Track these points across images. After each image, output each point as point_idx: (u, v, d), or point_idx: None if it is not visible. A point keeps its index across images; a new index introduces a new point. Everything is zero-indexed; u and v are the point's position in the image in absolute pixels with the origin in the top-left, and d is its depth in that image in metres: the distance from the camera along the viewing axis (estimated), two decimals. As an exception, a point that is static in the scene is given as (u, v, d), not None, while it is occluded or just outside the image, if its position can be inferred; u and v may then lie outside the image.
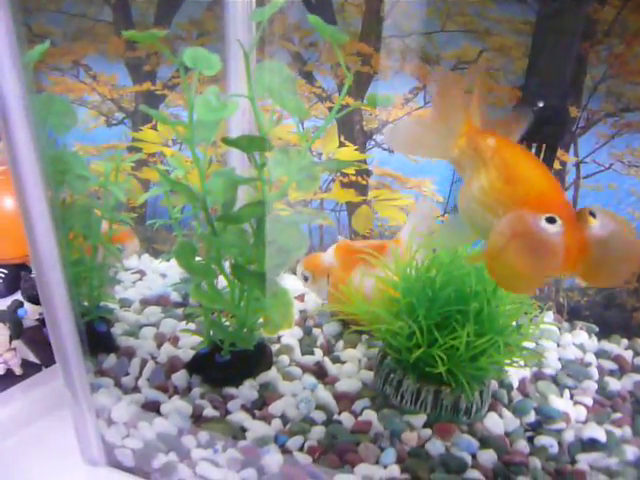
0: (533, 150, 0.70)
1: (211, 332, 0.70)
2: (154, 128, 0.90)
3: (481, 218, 0.51)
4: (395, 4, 0.78)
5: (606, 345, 0.83)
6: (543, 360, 0.77)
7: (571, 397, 0.73)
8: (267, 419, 0.66)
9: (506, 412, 0.70)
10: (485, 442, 0.65)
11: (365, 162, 0.87)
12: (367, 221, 0.89)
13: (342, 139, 0.86)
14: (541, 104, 0.70)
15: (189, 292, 0.83)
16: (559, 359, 0.79)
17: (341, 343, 0.80)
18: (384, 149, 0.85)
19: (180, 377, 0.70)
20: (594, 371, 0.77)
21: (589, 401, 0.72)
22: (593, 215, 0.46)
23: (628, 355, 0.81)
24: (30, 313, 0.80)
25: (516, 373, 0.75)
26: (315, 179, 0.63)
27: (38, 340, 0.79)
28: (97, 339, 0.73)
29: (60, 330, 0.57)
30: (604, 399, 0.73)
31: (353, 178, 0.88)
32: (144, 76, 0.89)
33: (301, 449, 0.63)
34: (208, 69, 0.57)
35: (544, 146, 0.70)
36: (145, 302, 0.85)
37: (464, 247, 0.65)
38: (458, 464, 0.62)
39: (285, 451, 0.62)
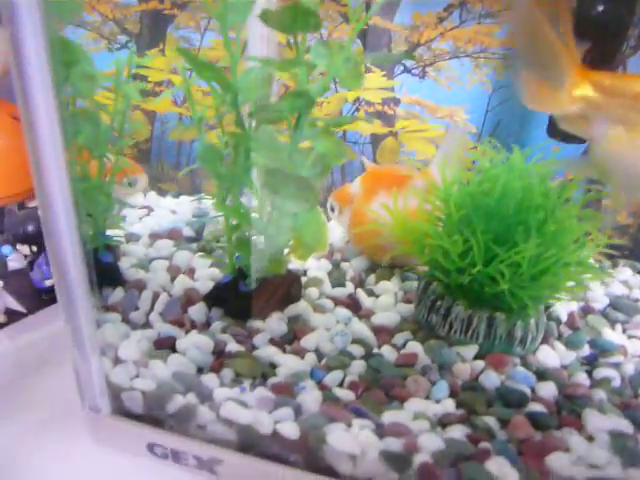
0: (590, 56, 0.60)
1: (235, 257, 0.59)
2: (162, 53, 0.78)
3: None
4: None
5: None
6: (589, 294, 0.68)
7: (624, 331, 0.64)
8: (300, 354, 0.56)
9: (558, 345, 0.60)
10: (542, 375, 0.55)
11: (393, 89, 0.76)
12: (393, 155, 0.79)
13: (368, 64, 0.75)
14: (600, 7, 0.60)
15: (206, 224, 0.73)
16: (606, 295, 0.69)
17: (372, 277, 0.69)
18: (414, 75, 0.74)
19: (198, 310, 0.59)
20: (644, 305, 0.68)
21: (642, 332, 0.63)
22: None
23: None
24: (14, 255, 0.67)
25: (564, 307, 0.65)
26: (360, 75, 0.51)
27: (23, 285, 0.65)
28: (102, 270, 0.61)
29: (63, 254, 0.45)
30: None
31: (379, 108, 0.77)
32: (151, -7, 0.76)
33: (341, 385, 0.53)
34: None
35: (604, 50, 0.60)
36: (155, 236, 0.73)
37: (521, 161, 0.55)
38: (518, 397, 0.52)
39: (323, 387, 0.52)
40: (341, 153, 0.54)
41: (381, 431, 0.47)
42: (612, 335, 0.62)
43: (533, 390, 0.53)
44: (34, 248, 0.68)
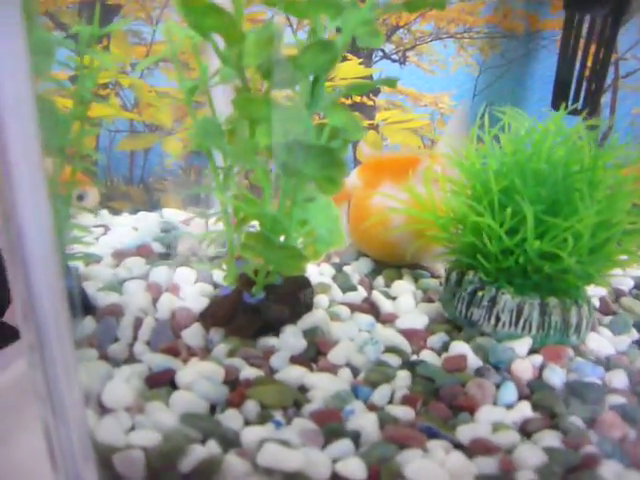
0: (596, 23, 0.54)
1: (236, 263, 0.45)
2: (106, 49, 0.64)
3: None
4: None
5: None
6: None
7: (659, 311, 0.56)
8: (331, 370, 0.43)
9: (605, 331, 0.51)
10: (605, 364, 0.46)
11: (372, 77, 0.66)
12: (375, 150, 0.68)
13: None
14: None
15: (178, 238, 0.59)
16: (628, 277, 0.62)
17: (380, 279, 0.57)
18: (394, 61, 0.65)
19: (194, 333, 0.45)
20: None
21: (685, 312, 0.56)
22: None
23: None
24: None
25: (593, 293, 0.57)
26: (378, 35, 0.41)
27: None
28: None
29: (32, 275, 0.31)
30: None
31: (358, 99, 0.67)
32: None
33: (390, 402, 0.41)
34: None
35: (607, 20, 0.54)
36: (120, 255, 0.57)
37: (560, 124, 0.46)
38: (594, 392, 0.42)
39: (372, 408, 0.39)
40: (359, 127, 0.43)
41: (464, 452, 0.36)
42: (652, 314, 0.54)
43: (604, 383, 0.44)
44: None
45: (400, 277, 0.58)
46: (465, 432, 0.37)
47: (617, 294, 0.59)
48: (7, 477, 0.39)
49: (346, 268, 0.59)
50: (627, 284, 0.61)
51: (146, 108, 0.65)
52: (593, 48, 0.54)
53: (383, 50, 0.65)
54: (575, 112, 0.56)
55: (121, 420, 0.37)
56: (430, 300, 0.54)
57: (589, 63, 0.55)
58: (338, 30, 0.40)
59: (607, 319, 0.54)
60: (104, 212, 0.67)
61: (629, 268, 0.49)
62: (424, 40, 0.64)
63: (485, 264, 0.46)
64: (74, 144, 0.47)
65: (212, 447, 0.35)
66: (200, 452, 0.35)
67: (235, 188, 0.44)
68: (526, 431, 0.39)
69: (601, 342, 0.49)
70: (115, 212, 0.68)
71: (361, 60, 0.66)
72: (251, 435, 0.36)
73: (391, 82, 0.41)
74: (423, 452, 0.35)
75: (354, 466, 0.34)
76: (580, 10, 0.53)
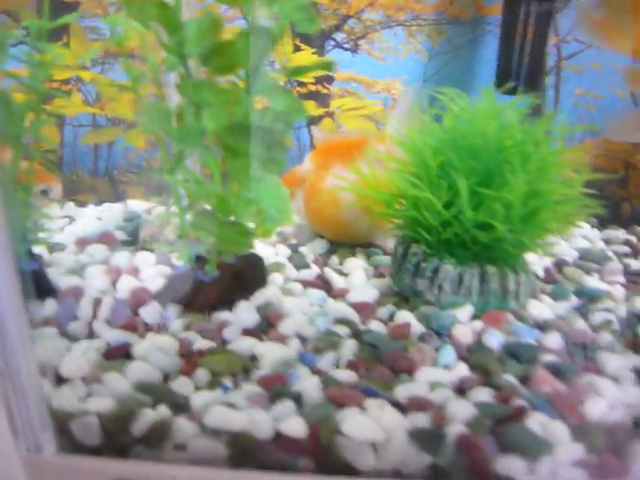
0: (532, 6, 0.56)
1: (191, 242, 0.47)
2: (65, 45, 0.65)
3: None
4: None
5: (610, 233, 0.71)
6: (557, 249, 0.63)
7: (601, 279, 0.59)
8: (281, 341, 0.45)
9: (546, 298, 0.54)
10: (543, 328, 0.49)
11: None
12: (331, 135, 0.70)
13: (297, 42, 0.67)
14: None
15: (140, 226, 0.60)
16: (573, 249, 0.65)
17: (335, 258, 0.60)
18: (345, 49, 0.68)
19: (151, 310, 0.47)
20: (611, 255, 0.64)
21: (621, 279, 0.59)
22: None
23: (634, 240, 0.69)
24: None
25: (538, 263, 0.60)
26: (314, 21, 0.43)
27: None
28: (27, 280, 0.47)
29: None
30: (635, 277, 0.60)
31: (312, 88, 0.69)
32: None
33: (336, 367, 0.43)
34: None
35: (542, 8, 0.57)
36: (83, 242, 0.59)
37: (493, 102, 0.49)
38: (529, 352, 0.45)
39: (318, 373, 0.42)
40: (301, 109, 0.45)
41: (401, 409, 0.38)
42: (594, 283, 0.57)
43: (540, 343, 0.47)
44: None
45: (354, 255, 0.60)
46: (402, 391, 0.40)
47: (561, 264, 0.61)
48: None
49: (302, 249, 0.61)
50: (572, 255, 0.64)
51: (108, 102, 0.66)
52: (530, 32, 0.57)
53: (335, 39, 0.67)
54: (514, 92, 0.59)
55: (77, 389, 0.39)
56: (381, 275, 0.56)
57: (527, 46, 0.57)
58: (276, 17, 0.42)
59: (550, 287, 0.57)
60: (70, 204, 0.69)
61: (563, 235, 0.51)
62: (374, 29, 0.67)
63: (427, 237, 0.48)
64: (31, 134, 0.49)
65: (162, 411, 0.37)
66: (151, 416, 0.37)
67: (185, 171, 0.45)
68: (461, 389, 0.41)
69: (541, 308, 0.52)
70: (81, 204, 0.69)
71: (314, 50, 0.68)
72: (199, 399, 0.38)
73: (328, 65, 0.43)
74: (361, 410, 0.38)
75: (295, 425, 0.37)
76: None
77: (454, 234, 0.47)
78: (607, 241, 0.69)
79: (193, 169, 0.46)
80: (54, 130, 0.69)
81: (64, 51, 0.65)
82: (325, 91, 0.69)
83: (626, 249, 0.67)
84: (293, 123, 0.46)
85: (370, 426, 0.36)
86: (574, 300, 0.55)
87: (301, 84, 0.69)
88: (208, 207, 0.46)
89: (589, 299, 0.54)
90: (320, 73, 0.68)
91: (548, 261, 0.61)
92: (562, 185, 0.46)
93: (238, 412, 0.37)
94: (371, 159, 0.52)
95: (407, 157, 0.50)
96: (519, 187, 0.43)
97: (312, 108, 0.70)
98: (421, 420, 0.37)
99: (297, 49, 0.68)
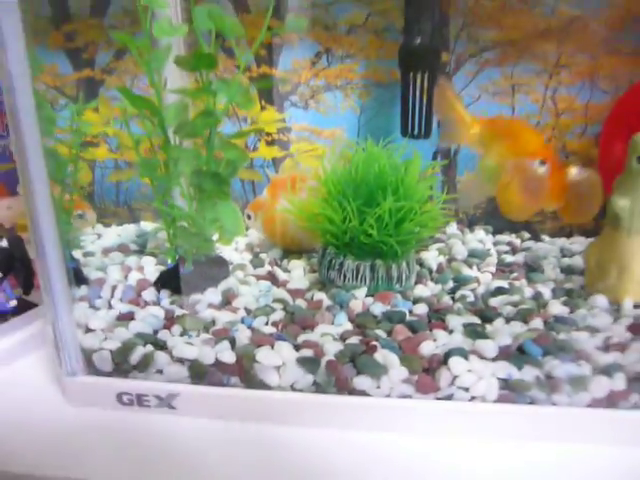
0: (418, 78, 0.80)
1: (174, 247, 0.71)
2: (95, 110, 0.92)
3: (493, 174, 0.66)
4: (295, -16, 0.87)
5: (500, 237, 0.92)
6: (454, 249, 0.85)
7: (478, 269, 0.80)
8: (232, 311, 0.68)
9: (430, 284, 0.76)
10: (417, 301, 0.70)
11: (285, 120, 0.93)
12: (292, 172, 0.94)
13: (263, 103, 0.92)
14: (418, 41, 0.80)
15: (149, 240, 0.85)
16: (466, 250, 0.86)
17: (285, 262, 0.83)
18: (299, 107, 0.92)
19: (149, 293, 0.71)
20: (493, 252, 0.85)
21: (493, 269, 0.80)
22: (573, 168, 0.61)
23: (517, 242, 0.91)
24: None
25: (434, 259, 0.82)
26: (251, 100, 0.67)
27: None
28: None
29: (48, 258, 0.57)
30: (504, 267, 0.81)
31: (276, 136, 0.93)
32: (83, 64, 0.91)
33: (266, 325, 0.66)
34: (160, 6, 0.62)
35: (426, 75, 0.80)
36: (107, 251, 0.84)
37: (379, 146, 0.72)
38: (399, 315, 0.66)
39: (251, 329, 0.64)
40: (244, 158, 0.69)
41: (297, 348, 0.60)
42: (469, 272, 0.78)
43: (411, 312, 0.68)
44: (-1, 274, 0.77)
45: (298, 258, 0.83)
46: (301, 338, 0.62)
47: (451, 260, 0.83)
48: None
49: (262, 255, 0.85)
50: (463, 254, 0.85)
51: (126, 150, 0.92)
52: (420, 93, 0.80)
53: (291, 100, 0.92)
54: (414, 136, 0.82)
55: (98, 336, 0.63)
56: (314, 271, 0.79)
57: (418, 104, 0.80)
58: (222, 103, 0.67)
59: (437, 276, 0.78)
60: (99, 225, 0.95)
61: (428, 235, 0.73)
62: (319, 92, 0.91)
63: (335, 242, 0.71)
64: (72, 178, 0.75)
65: (149, 348, 0.61)
66: (141, 350, 0.60)
67: (170, 201, 0.70)
68: (343, 337, 0.63)
69: (423, 289, 0.73)
70: (106, 225, 0.95)
71: (276, 107, 0.92)
72: (171, 341, 0.61)
73: (258, 130, 0.67)
74: (271, 348, 0.60)
75: (227, 355, 0.59)
76: (408, 68, 0.79)
77: (350, 239, 0.69)
78: (495, 243, 0.90)
79: (175, 200, 0.70)
80: (87, 171, 0.96)
81: (94, 116, 0.91)
82: (285, 138, 0.93)
83: (507, 248, 0.88)
84: (239, 168, 0.70)
85: (274, 357, 0.59)
86: (451, 284, 0.76)
87: (268, 134, 0.94)
88: (185, 225, 0.70)
89: (461, 283, 0.76)
90: (281, 125, 0.92)
91: (442, 258, 0.83)
92: (419, 203, 0.68)
93: (194, 348, 0.60)
94: (296, 190, 0.76)
95: (322, 187, 0.73)
96: (387, 206, 0.66)
97: (276, 152, 0.94)
98: (307, 353, 0.59)
99: (263, 108, 0.92)
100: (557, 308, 0.69)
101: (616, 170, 0.68)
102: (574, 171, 0.62)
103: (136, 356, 0.60)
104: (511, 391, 0.57)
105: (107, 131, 0.92)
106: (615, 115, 0.72)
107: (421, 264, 0.81)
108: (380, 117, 0.89)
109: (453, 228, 0.95)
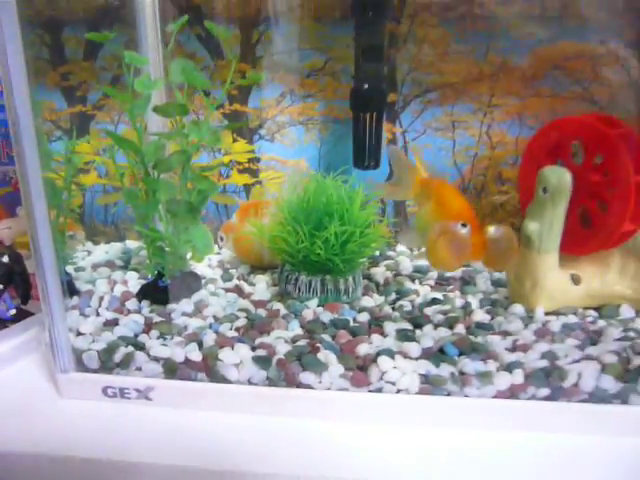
0: (367, 117, 0.93)
1: (153, 263, 0.84)
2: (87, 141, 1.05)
3: (426, 228, 0.77)
4: (262, 34, 1.01)
5: None
6: (401, 266, 0.98)
7: (420, 283, 0.93)
8: (202, 319, 0.81)
9: (376, 296, 0.88)
10: (362, 310, 0.83)
11: (254, 151, 1.06)
12: (261, 197, 1.07)
13: (235, 136, 1.06)
14: (366, 86, 0.94)
15: (132, 254, 0.98)
16: (412, 266, 1.00)
17: (252, 277, 0.96)
18: (266, 140, 1.05)
19: (132, 303, 0.83)
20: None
21: (432, 283, 0.93)
22: (490, 227, 0.73)
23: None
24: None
25: (382, 274, 0.95)
26: (218, 139, 0.81)
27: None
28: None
29: (46, 273, 0.69)
30: (442, 281, 0.94)
31: (247, 165, 1.07)
32: (77, 100, 1.04)
33: (230, 330, 0.78)
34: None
35: (374, 115, 0.94)
36: (96, 266, 0.97)
37: (331, 177, 0.85)
38: (343, 322, 0.79)
39: (217, 333, 0.77)
40: (214, 188, 0.82)
41: (253, 349, 0.73)
42: (411, 285, 0.91)
43: (355, 319, 0.81)
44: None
45: (263, 274, 0.96)
46: (258, 341, 0.74)
47: (397, 275, 0.96)
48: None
49: (231, 270, 0.98)
50: (408, 269, 0.98)
51: (112, 174, 1.05)
52: (369, 130, 0.93)
53: (259, 133, 1.05)
54: (365, 167, 0.95)
55: (87, 339, 0.75)
56: (275, 285, 0.92)
57: (368, 138, 0.93)
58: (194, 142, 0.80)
59: (383, 289, 0.91)
60: (89, 243, 1.07)
61: (369, 254, 0.86)
62: (284, 126, 1.04)
63: (291, 260, 0.84)
64: (66, 203, 0.87)
65: (130, 349, 0.73)
66: (124, 351, 0.72)
67: (150, 223, 0.83)
68: (294, 340, 0.76)
69: (368, 301, 0.86)
70: (96, 243, 1.08)
71: (246, 140, 1.06)
72: (149, 343, 0.74)
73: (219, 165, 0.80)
74: (231, 348, 0.73)
75: (195, 355, 0.71)
76: (358, 109, 0.92)
77: (303, 257, 0.82)
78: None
79: (154, 223, 0.83)
80: (79, 195, 1.08)
81: (86, 146, 1.04)
82: (255, 167, 1.07)
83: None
84: (209, 197, 0.83)
85: (232, 355, 0.71)
86: (393, 295, 0.89)
87: (239, 163, 1.07)
88: (163, 244, 0.83)
89: (402, 295, 0.89)
90: (251, 155, 1.06)
91: (389, 273, 0.96)
92: (360, 227, 0.81)
93: (167, 348, 0.72)
94: (266, 214, 0.89)
95: (280, 213, 0.86)
96: (333, 230, 0.79)
97: (247, 179, 1.07)
98: (261, 353, 0.72)
99: (235, 140, 1.06)
100: (480, 316, 0.82)
101: (530, 198, 0.81)
102: (491, 230, 0.73)
103: (119, 355, 0.72)
104: (430, 385, 0.69)
105: (97, 159, 1.05)
106: (527, 152, 0.86)
107: (370, 278, 0.94)
108: (337, 149, 1.03)
109: (403, 247, 1.08)
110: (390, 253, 1.05)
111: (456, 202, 0.76)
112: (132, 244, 1.07)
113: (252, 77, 0.79)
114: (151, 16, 0.91)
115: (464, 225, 0.71)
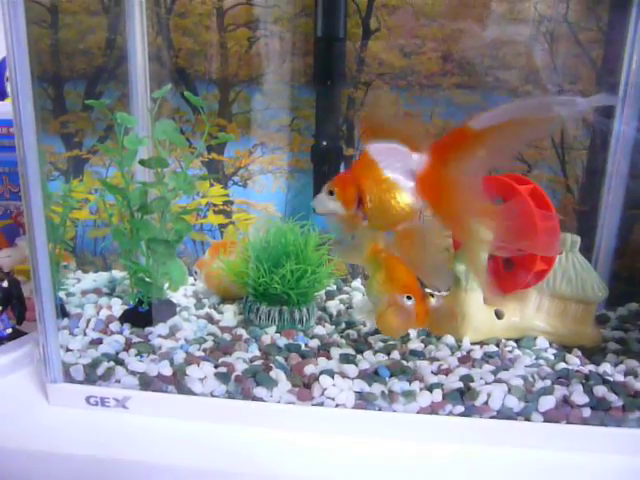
0: (325, 170, 1.10)
1: (135, 292, 0.99)
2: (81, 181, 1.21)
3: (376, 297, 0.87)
4: (238, 93, 1.18)
5: None
6: (353, 300, 1.14)
7: (367, 315, 1.09)
8: (175, 340, 0.95)
9: (328, 325, 1.04)
10: (314, 337, 0.98)
11: (228, 195, 1.23)
12: (234, 236, 1.23)
13: (212, 181, 1.22)
14: (324, 143, 1.11)
15: (117, 283, 1.13)
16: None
17: (221, 306, 1.11)
18: (239, 185, 1.22)
19: (115, 325, 0.98)
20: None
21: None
22: (432, 296, 0.84)
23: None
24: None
25: (335, 307, 1.10)
26: (194, 187, 0.97)
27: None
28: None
29: (43, 297, 0.84)
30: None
31: (221, 207, 1.23)
32: (74, 145, 1.21)
33: (198, 350, 0.93)
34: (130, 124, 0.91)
35: (331, 167, 1.11)
36: (85, 292, 1.12)
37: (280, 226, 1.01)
38: (295, 347, 0.94)
39: (188, 353, 0.92)
40: (188, 229, 0.98)
41: (216, 366, 0.88)
42: (358, 317, 1.07)
43: (307, 345, 0.96)
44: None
45: (231, 304, 1.11)
46: (221, 360, 0.89)
47: (349, 307, 1.11)
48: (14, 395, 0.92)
49: (204, 300, 1.13)
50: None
51: (102, 212, 1.21)
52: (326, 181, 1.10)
53: (233, 180, 1.22)
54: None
55: (75, 354, 0.89)
56: (241, 314, 1.07)
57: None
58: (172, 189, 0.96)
59: (336, 319, 1.07)
60: (79, 272, 1.22)
61: (321, 289, 1.02)
62: (255, 175, 1.21)
63: (253, 292, 1.00)
64: (61, 237, 1.02)
65: (111, 364, 0.88)
66: (106, 365, 0.87)
67: (133, 257, 0.98)
68: (252, 360, 0.90)
69: (320, 330, 1.01)
70: (85, 272, 1.23)
71: (221, 185, 1.22)
72: (127, 359, 0.88)
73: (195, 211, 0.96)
74: (197, 365, 0.87)
75: (166, 370, 0.86)
76: (317, 162, 1.09)
77: (264, 290, 0.98)
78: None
79: (136, 257, 0.99)
80: (72, 229, 1.24)
81: (80, 187, 1.20)
82: (228, 209, 1.23)
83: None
84: (184, 236, 0.98)
85: (199, 372, 0.86)
86: (343, 325, 1.04)
87: (215, 205, 1.23)
88: (143, 276, 0.99)
89: (352, 325, 1.04)
90: (225, 199, 1.22)
91: (342, 306, 1.11)
92: (312, 266, 0.97)
93: (143, 364, 0.87)
94: (233, 252, 1.05)
95: (245, 252, 1.02)
96: (288, 267, 0.95)
97: (221, 219, 1.24)
98: (223, 369, 0.87)
99: (212, 185, 1.22)
100: (415, 344, 0.97)
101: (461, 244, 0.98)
102: (432, 301, 0.87)
103: (101, 369, 0.87)
104: (364, 401, 0.84)
105: (89, 198, 1.21)
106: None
107: (325, 310, 1.09)
108: (301, 196, 1.20)
109: (358, 282, 1.24)
110: (346, 288, 1.21)
111: (402, 275, 0.84)
112: (117, 274, 1.22)
113: (223, 137, 0.95)
114: (142, 76, 1.09)
115: (409, 297, 0.81)
